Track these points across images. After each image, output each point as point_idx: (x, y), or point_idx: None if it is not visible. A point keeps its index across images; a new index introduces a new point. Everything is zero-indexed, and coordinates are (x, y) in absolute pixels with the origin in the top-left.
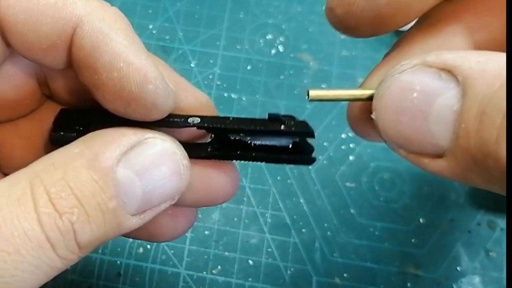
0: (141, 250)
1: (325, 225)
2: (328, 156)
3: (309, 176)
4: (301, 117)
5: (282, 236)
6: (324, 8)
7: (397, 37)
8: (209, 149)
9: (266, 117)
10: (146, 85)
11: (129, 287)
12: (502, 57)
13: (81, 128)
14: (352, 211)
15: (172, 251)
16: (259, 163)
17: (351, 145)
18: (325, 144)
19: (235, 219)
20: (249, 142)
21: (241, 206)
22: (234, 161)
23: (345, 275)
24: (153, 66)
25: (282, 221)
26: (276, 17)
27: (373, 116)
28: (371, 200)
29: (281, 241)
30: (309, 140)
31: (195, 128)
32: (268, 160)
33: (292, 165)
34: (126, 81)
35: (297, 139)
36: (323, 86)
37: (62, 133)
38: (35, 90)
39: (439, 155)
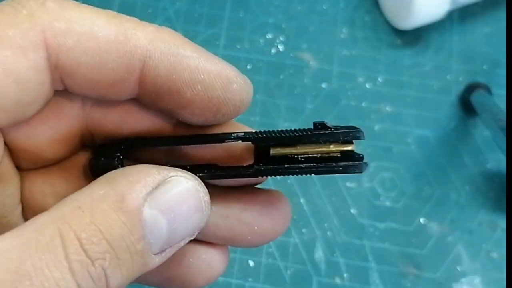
0: None
1: (325, 225)
2: None
3: (309, 176)
4: (301, 117)
5: (282, 236)
6: (324, 7)
7: (398, 37)
8: (254, 167)
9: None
10: (231, 86)
11: (129, 287)
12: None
13: (121, 156)
14: (352, 211)
15: None
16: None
17: None
18: None
19: None
20: (295, 156)
21: None
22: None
23: (345, 275)
24: (228, 64)
25: None
26: (276, 16)
27: None
28: (371, 200)
29: (281, 241)
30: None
31: (237, 144)
32: (318, 171)
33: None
34: (212, 90)
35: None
36: (323, 85)
37: (103, 159)
38: (74, 137)
39: None
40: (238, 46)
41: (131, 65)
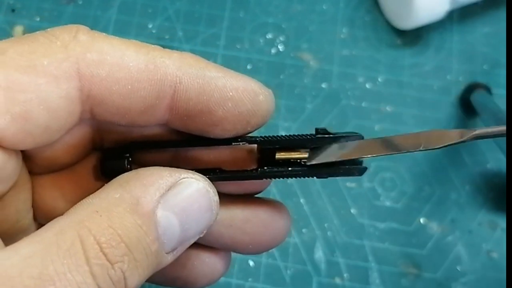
0: None
1: (325, 225)
2: None
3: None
4: (301, 117)
5: None
6: (324, 7)
7: (398, 37)
8: (259, 170)
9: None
10: (258, 98)
11: None
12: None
13: (130, 158)
14: (352, 211)
15: None
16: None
17: None
18: None
19: None
20: (297, 160)
21: None
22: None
23: (345, 275)
24: (251, 78)
25: None
26: (276, 16)
27: None
28: (371, 200)
29: None
30: None
31: (241, 149)
32: (319, 174)
33: None
34: (242, 104)
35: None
36: (323, 85)
37: (113, 161)
38: (87, 141)
39: None
40: (238, 46)
41: (162, 92)
